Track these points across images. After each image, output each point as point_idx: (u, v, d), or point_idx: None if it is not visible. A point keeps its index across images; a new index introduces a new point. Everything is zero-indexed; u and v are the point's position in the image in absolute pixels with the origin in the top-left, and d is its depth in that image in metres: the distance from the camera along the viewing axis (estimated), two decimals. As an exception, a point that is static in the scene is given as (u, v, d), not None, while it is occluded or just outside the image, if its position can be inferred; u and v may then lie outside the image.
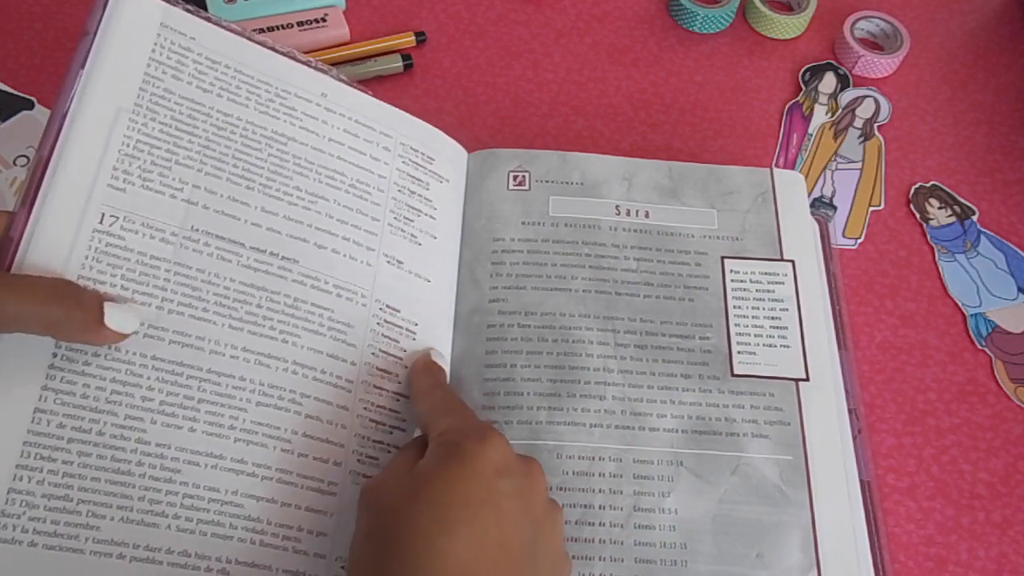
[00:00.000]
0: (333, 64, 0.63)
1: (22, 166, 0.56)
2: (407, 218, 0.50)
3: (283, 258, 0.45)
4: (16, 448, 0.37)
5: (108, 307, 0.38)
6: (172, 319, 0.41)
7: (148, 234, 0.42)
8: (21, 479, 0.37)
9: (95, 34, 0.43)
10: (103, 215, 0.41)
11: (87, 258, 0.40)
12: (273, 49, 0.49)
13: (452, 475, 0.38)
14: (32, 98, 0.59)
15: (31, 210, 0.39)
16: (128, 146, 0.43)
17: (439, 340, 0.49)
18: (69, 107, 0.42)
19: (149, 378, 0.40)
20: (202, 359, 0.41)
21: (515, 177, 0.53)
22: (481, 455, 0.38)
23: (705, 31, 0.69)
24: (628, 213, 0.53)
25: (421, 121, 0.53)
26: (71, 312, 0.37)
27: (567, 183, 0.53)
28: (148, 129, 0.43)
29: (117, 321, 0.38)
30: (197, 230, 0.43)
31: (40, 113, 0.58)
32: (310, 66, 0.50)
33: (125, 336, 0.39)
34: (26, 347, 0.38)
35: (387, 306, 0.47)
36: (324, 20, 0.64)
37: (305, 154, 0.48)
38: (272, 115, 0.47)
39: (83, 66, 0.43)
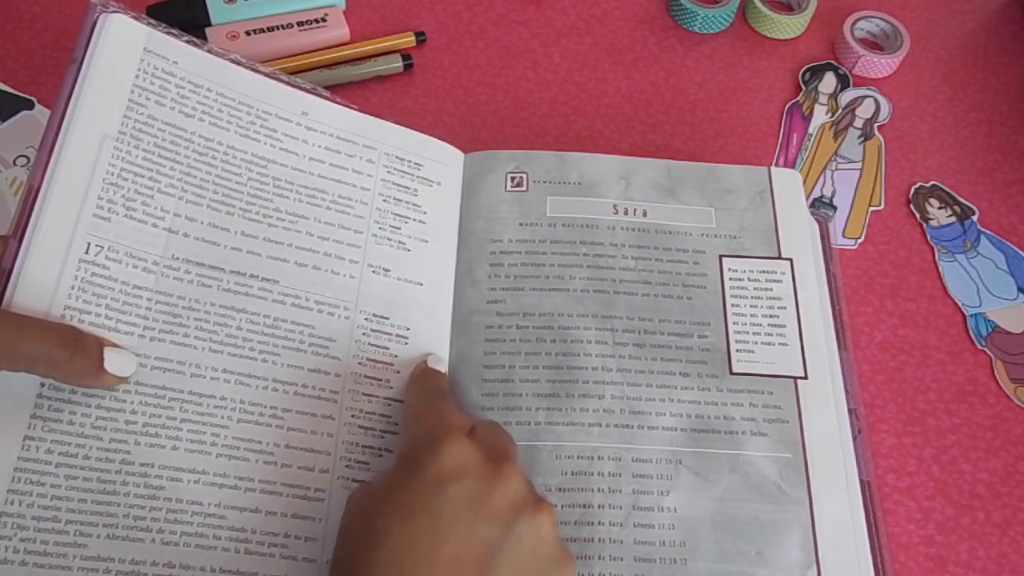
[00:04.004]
0: (333, 64, 0.63)
1: (22, 166, 0.56)
2: (393, 226, 0.50)
3: (263, 279, 0.46)
4: (7, 474, 0.39)
5: (108, 351, 0.40)
6: (154, 346, 0.42)
7: (131, 263, 0.43)
8: (12, 503, 0.38)
9: (81, 61, 0.45)
10: (89, 245, 0.42)
11: (73, 288, 0.41)
12: (254, 70, 0.50)
13: (394, 486, 0.38)
14: (32, 98, 0.59)
15: (22, 241, 0.41)
16: (112, 175, 0.44)
17: (435, 342, 0.49)
18: (57, 137, 0.43)
19: (132, 402, 0.41)
20: (183, 382, 0.42)
21: (513, 179, 0.53)
22: (427, 462, 0.38)
23: (705, 31, 0.69)
24: (626, 212, 0.53)
25: (406, 129, 0.54)
26: (74, 356, 0.39)
27: (565, 183, 0.53)
28: (132, 157, 0.45)
29: (116, 365, 0.40)
30: (178, 258, 0.44)
31: (40, 113, 0.58)
32: (292, 85, 0.51)
33: (124, 380, 0.41)
34: (15, 378, 0.39)
35: (374, 315, 0.48)
36: (324, 20, 0.64)
37: (285, 175, 0.49)
38: (253, 138, 0.48)
39: (70, 94, 0.44)
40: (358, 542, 0.37)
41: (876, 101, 0.67)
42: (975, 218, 0.62)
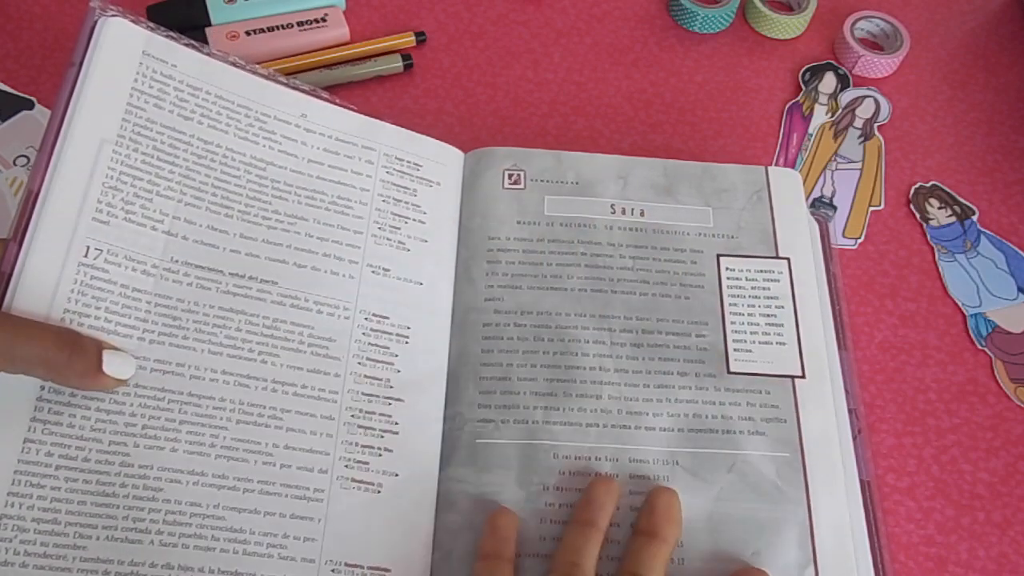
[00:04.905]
0: (333, 64, 0.63)
1: (22, 166, 0.56)
2: (393, 226, 0.50)
3: (262, 281, 0.46)
4: (7, 477, 0.39)
5: (107, 354, 0.40)
6: (153, 349, 0.42)
7: (130, 267, 0.43)
8: (12, 505, 0.38)
9: (80, 65, 0.45)
10: (88, 248, 0.42)
11: (73, 291, 0.41)
12: (253, 72, 0.50)
13: None
14: (32, 98, 0.59)
15: (21, 245, 0.41)
16: (111, 178, 0.44)
17: (435, 342, 0.49)
18: (56, 140, 0.43)
19: (132, 405, 0.41)
20: (183, 384, 0.43)
21: (510, 176, 0.53)
22: None
23: (705, 31, 0.69)
24: (623, 212, 0.53)
25: (405, 130, 0.54)
26: (72, 358, 0.39)
27: (562, 183, 0.53)
28: (131, 160, 0.45)
29: (115, 367, 0.40)
30: (177, 261, 0.44)
31: (40, 113, 0.58)
32: (290, 87, 0.51)
33: (123, 382, 0.41)
34: (15, 381, 0.39)
35: (373, 315, 0.48)
36: (324, 20, 0.64)
37: (284, 177, 0.49)
38: (251, 140, 0.49)
39: (69, 98, 0.44)
40: None
41: (876, 101, 0.67)
42: (975, 218, 0.61)
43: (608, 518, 0.44)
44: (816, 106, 0.66)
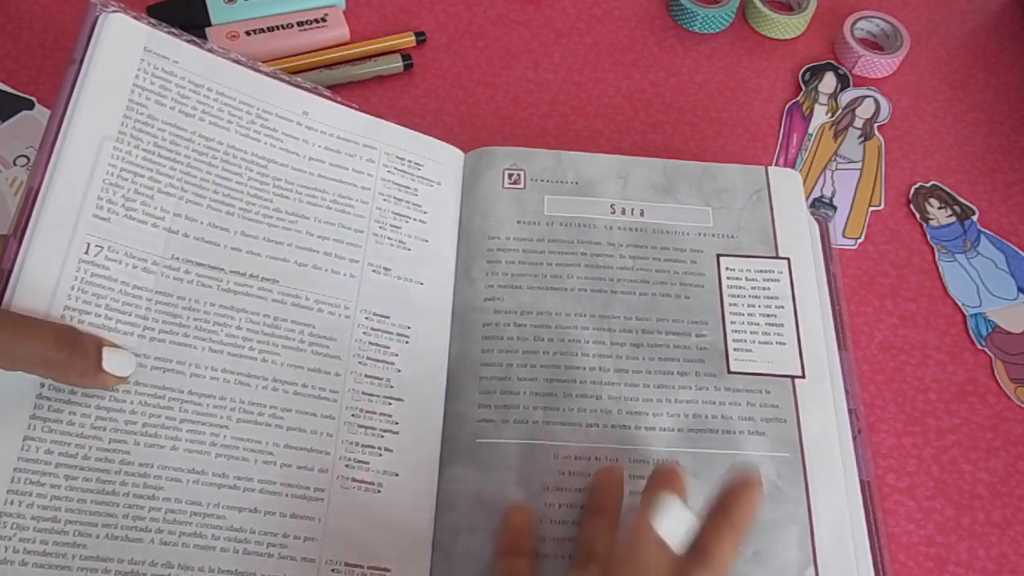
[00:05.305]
0: (333, 64, 0.63)
1: (22, 166, 0.56)
2: (393, 226, 0.50)
3: (263, 279, 0.46)
4: (7, 475, 0.39)
5: (106, 352, 0.40)
6: (154, 346, 0.42)
7: (131, 264, 0.43)
8: (12, 503, 0.38)
9: (81, 62, 0.45)
10: (88, 245, 0.42)
11: (73, 288, 0.41)
12: (255, 69, 0.50)
13: None
14: (32, 98, 0.59)
15: (21, 241, 0.41)
16: (112, 175, 0.44)
17: (436, 342, 0.49)
18: (57, 136, 0.43)
19: (132, 403, 0.41)
20: (183, 382, 0.42)
21: (510, 175, 0.53)
22: None
23: (705, 31, 0.69)
24: (623, 212, 0.53)
25: (407, 129, 0.54)
26: (72, 356, 0.39)
27: (562, 183, 0.53)
28: (132, 157, 0.45)
29: (115, 365, 0.40)
30: (178, 258, 0.44)
31: (40, 113, 0.58)
32: (292, 84, 0.51)
33: (123, 380, 0.41)
34: (15, 379, 0.39)
35: (374, 314, 0.48)
36: (324, 20, 0.64)
37: (285, 175, 0.49)
38: (253, 137, 0.48)
39: (70, 94, 0.44)
40: None
41: (876, 101, 0.66)
42: (975, 218, 0.61)
43: (619, 500, 0.44)
44: (816, 106, 0.66)
